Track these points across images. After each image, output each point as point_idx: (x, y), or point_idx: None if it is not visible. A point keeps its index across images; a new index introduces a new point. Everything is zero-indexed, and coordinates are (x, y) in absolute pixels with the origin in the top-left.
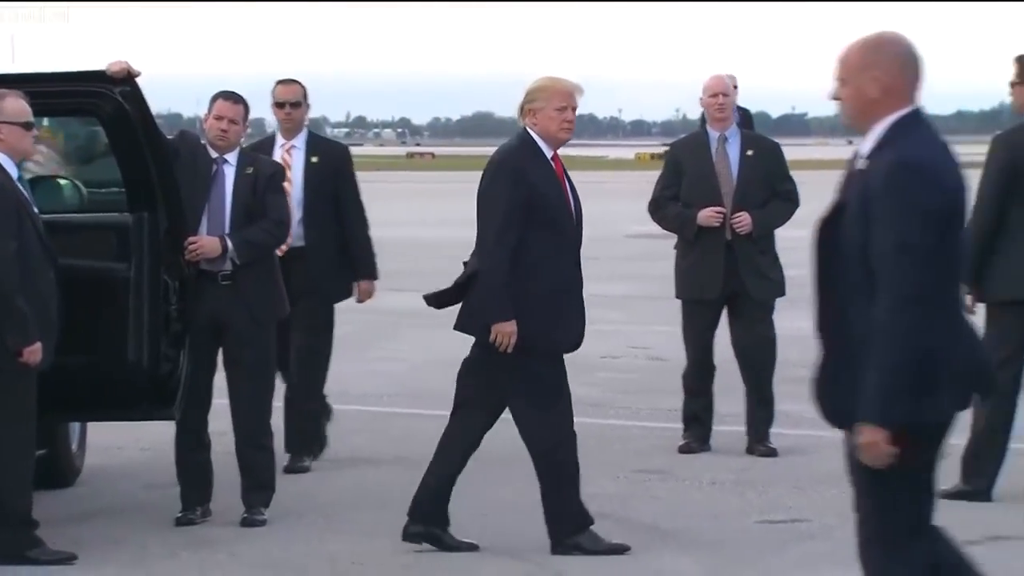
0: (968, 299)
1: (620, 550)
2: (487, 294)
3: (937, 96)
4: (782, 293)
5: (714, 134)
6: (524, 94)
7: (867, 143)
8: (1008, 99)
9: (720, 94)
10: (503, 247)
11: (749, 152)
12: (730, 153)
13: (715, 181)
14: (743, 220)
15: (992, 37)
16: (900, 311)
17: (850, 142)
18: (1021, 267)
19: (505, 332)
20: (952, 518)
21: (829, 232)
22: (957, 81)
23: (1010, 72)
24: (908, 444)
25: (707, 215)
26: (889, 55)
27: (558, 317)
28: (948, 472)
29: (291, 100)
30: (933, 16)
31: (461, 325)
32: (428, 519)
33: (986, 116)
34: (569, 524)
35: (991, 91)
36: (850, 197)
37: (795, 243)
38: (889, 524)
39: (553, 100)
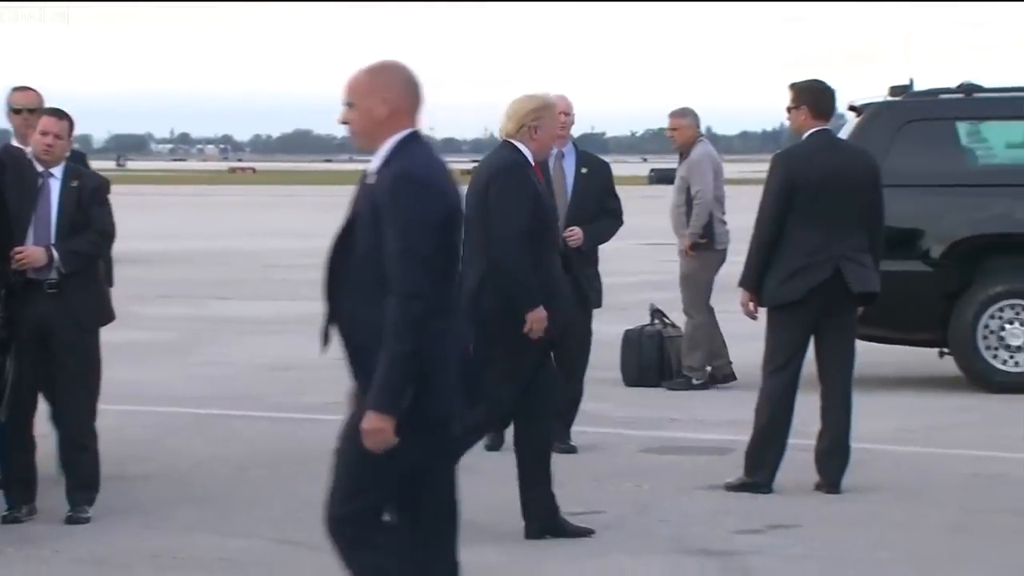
0: (751, 305)
1: (585, 533)
2: (518, 287)
3: (723, 118)
4: (600, 303)
5: (552, 151)
6: (520, 114)
7: (376, 160)
8: (787, 122)
9: (563, 112)
10: (523, 245)
11: (584, 170)
12: (566, 170)
13: (551, 197)
14: (576, 234)
15: (772, 62)
16: (403, 308)
17: (645, 159)
18: (791, 275)
19: (539, 318)
20: (736, 508)
21: (344, 241)
22: (740, 104)
23: (787, 97)
24: (407, 432)
25: None
26: (395, 79)
27: (554, 313)
28: (733, 466)
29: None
30: (717, 43)
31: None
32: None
33: (767, 136)
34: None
35: (772, 113)
36: (361, 208)
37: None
38: (367, 505)
39: (552, 117)
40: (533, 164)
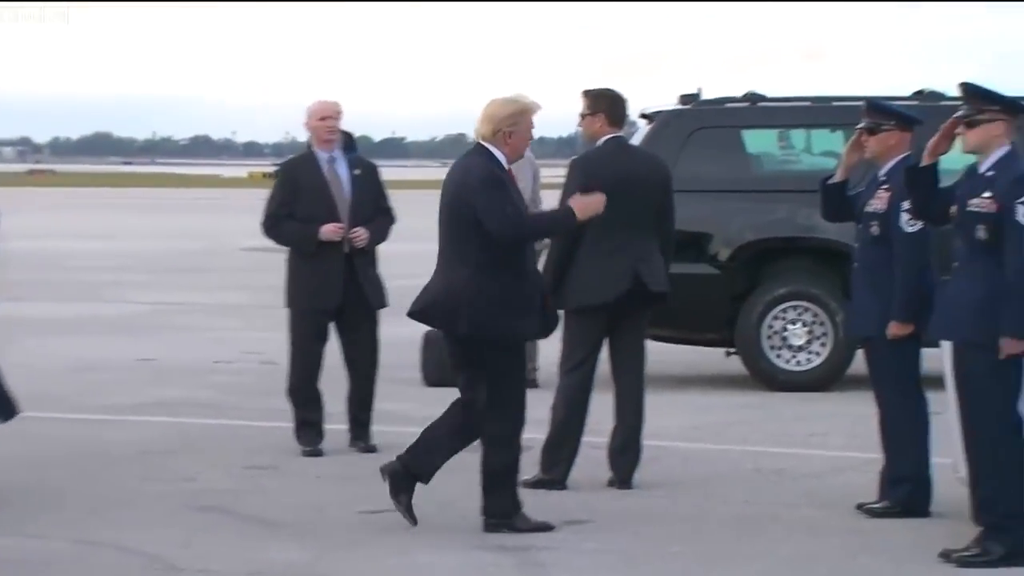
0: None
1: (546, 528)
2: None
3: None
4: (386, 303)
5: (323, 155)
6: (496, 118)
7: None
8: (580, 128)
9: (329, 117)
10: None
11: (357, 171)
12: (340, 172)
13: (332, 199)
14: (360, 234)
15: (567, 69)
16: None
17: (445, 164)
18: (593, 277)
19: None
20: (532, 505)
21: None
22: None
23: (580, 104)
24: None
25: (330, 230)
26: None
27: (528, 310)
28: (530, 464)
29: None
30: (514, 49)
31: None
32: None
33: (563, 142)
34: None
35: (567, 119)
36: None
37: (393, 256)
38: None
39: (529, 122)
40: (508, 170)
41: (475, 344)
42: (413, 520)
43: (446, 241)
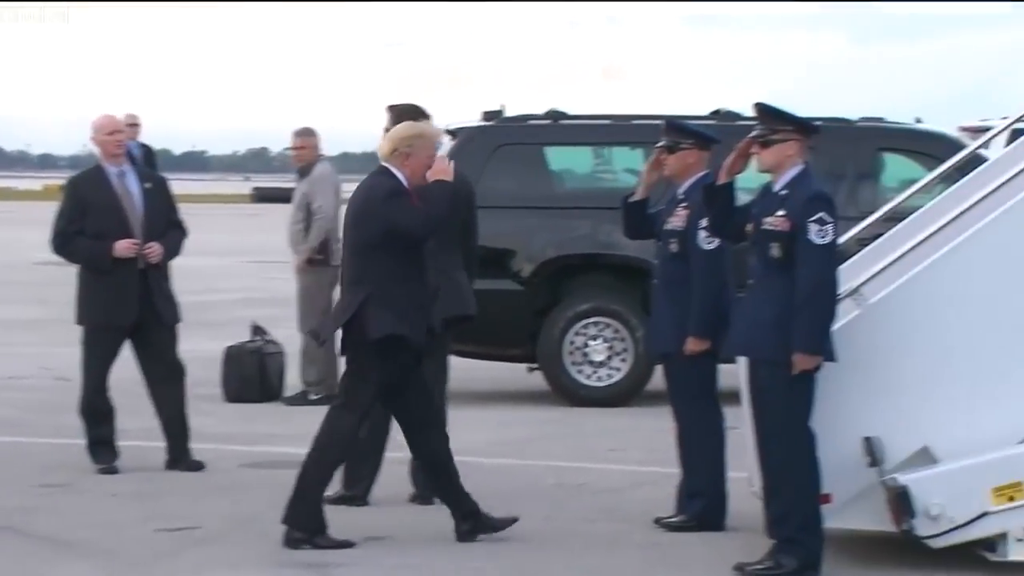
0: None
1: (347, 545)
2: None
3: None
4: (179, 318)
5: (112, 169)
6: (395, 138)
7: None
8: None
9: (117, 131)
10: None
11: (148, 185)
12: (131, 187)
13: (124, 214)
14: (154, 250)
15: (374, 85)
16: None
17: (247, 178)
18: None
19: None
20: (335, 521)
21: None
22: (341, 127)
23: (385, 120)
24: None
25: (124, 246)
26: None
27: (421, 321)
28: (333, 480)
29: None
30: (318, 65)
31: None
32: None
33: (368, 157)
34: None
35: (372, 135)
36: None
37: (193, 271)
38: None
39: (427, 148)
40: (408, 189)
41: (364, 349)
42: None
43: (350, 261)
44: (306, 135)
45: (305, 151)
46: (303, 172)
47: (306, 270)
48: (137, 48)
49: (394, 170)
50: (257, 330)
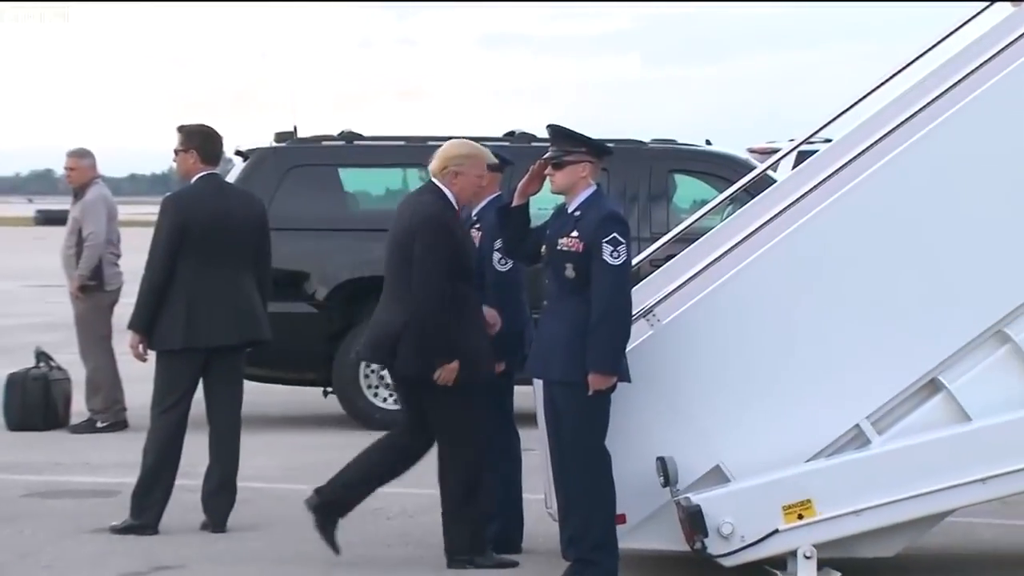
0: (140, 347)
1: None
2: (435, 336)
3: (111, 160)
4: None
5: None
6: (446, 156)
7: None
8: (175, 164)
9: None
10: (444, 294)
11: None
12: None
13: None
14: None
15: (161, 105)
16: None
17: (31, 200)
18: (189, 318)
19: (450, 369)
20: (121, 551)
21: None
22: (129, 147)
23: (175, 140)
24: None
25: None
26: None
27: (485, 354)
28: (120, 508)
29: None
30: (105, 83)
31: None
32: None
33: (157, 179)
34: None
35: (161, 156)
36: None
37: None
38: None
39: (476, 167)
40: (456, 208)
41: (411, 385)
42: (336, 549)
43: (390, 275)
44: (78, 156)
45: (76, 172)
46: (77, 194)
47: (80, 297)
48: None
49: (443, 188)
50: (41, 356)
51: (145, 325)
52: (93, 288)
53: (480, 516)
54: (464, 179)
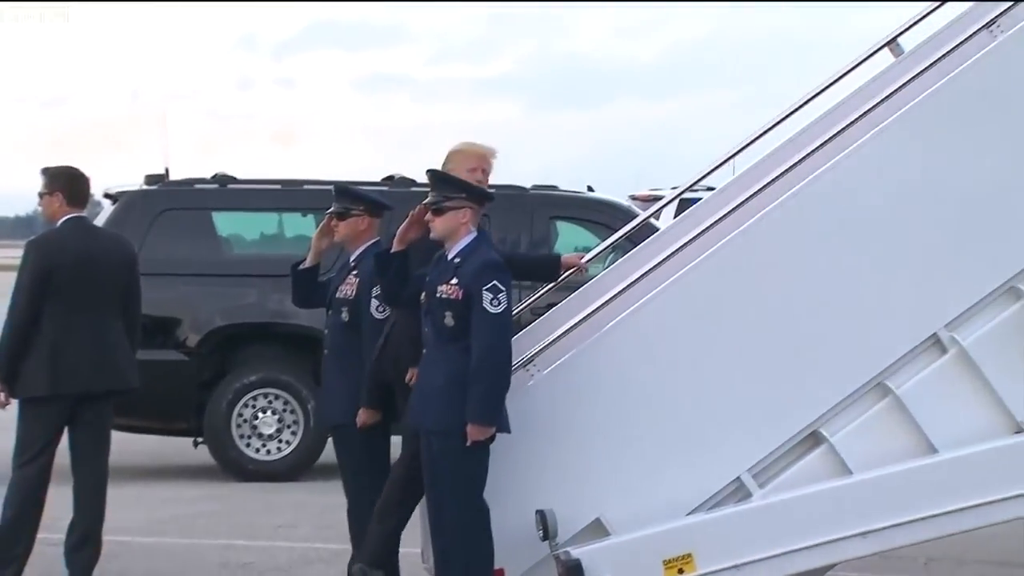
0: (2, 396)
1: None
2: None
3: None
4: None
5: None
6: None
7: None
8: (40, 207)
9: None
10: None
11: None
12: None
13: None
14: None
15: (27, 146)
16: None
17: None
18: (54, 365)
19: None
20: None
21: None
22: None
23: (39, 183)
24: None
25: None
26: None
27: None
28: None
29: None
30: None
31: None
32: None
33: (20, 221)
34: None
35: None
36: None
37: None
38: None
39: (467, 162)
40: None
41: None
42: None
43: None
44: None
45: None
46: None
47: None
48: None
49: None
50: None
51: (8, 373)
52: None
53: None
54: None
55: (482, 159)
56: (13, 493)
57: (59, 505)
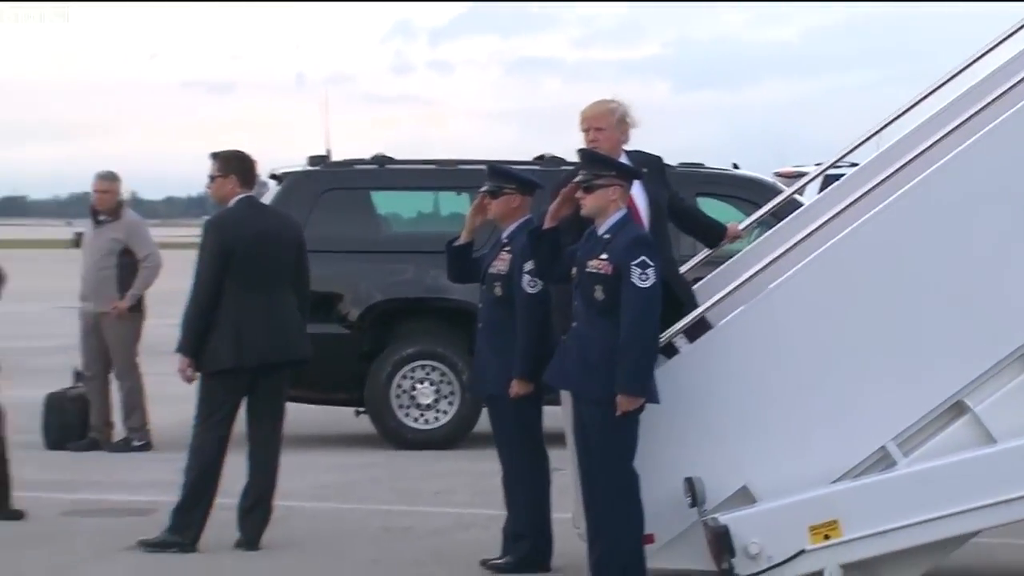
0: (189, 371)
1: None
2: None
3: (148, 183)
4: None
5: None
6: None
7: None
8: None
9: None
10: None
11: None
12: None
13: None
14: None
15: (196, 130)
16: None
17: (69, 223)
18: (234, 340)
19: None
20: (156, 568)
21: None
22: (165, 172)
23: (210, 166)
24: None
25: None
26: None
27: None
28: (155, 526)
29: None
30: (142, 110)
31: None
32: None
33: (192, 201)
34: None
35: (196, 179)
36: None
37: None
38: None
39: (580, 126)
40: None
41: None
42: None
43: None
44: (110, 179)
45: (108, 196)
46: (104, 216)
47: (126, 317)
48: None
49: None
50: (79, 376)
51: (194, 348)
52: (134, 308)
53: None
54: (604, 136)
55: (585, 119)
56: (194, 459)
57: (233, 471)
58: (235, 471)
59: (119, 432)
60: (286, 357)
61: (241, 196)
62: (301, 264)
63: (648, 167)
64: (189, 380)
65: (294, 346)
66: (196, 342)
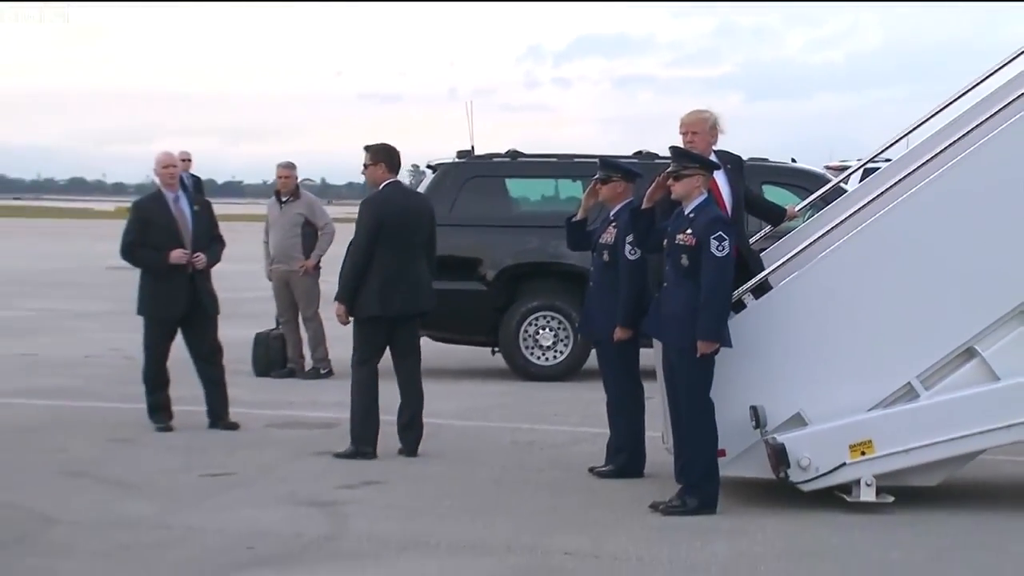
0: (344, 316)
1: None
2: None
3: (336, 169)
4: (219, 310)
5: (169, 195)
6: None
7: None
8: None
9: (171, 165)
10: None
11: (196, 208)
12: (184, 209)
13: (177, 230)
14: (200, 258)
15: (366, 132)
16: None
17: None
18: (379, 293)
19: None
20: (339, 469)
21: None
22: (347, 163)
23: (363, 157)
24: None
25: (177, 256)
26: None
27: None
28: (338, 437)
29: None
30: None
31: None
32: None
33: (348, 186)
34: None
35: (350, 168)
36: None
37: (231, 273)
38: None
39: (680, 130)
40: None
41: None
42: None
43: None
44: (291, 167)
45: (290, 180)
46: (287, 196)
47: (311, 273)
48: (187, 95)
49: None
50: (278, 321)
51: (350, 298)
52: (316, 267)
53: None
54: (696, 140)
55: (684, 124)
56: (356, 389)
57: (387, 396)
58: (389, 394)
59: (309, 363)
60: (417, 309)
61: (389, 180)
62: (431, 235)
63: (731, 164)
64: (344, 323)
65: (423, 300)
66: (351, 294)
